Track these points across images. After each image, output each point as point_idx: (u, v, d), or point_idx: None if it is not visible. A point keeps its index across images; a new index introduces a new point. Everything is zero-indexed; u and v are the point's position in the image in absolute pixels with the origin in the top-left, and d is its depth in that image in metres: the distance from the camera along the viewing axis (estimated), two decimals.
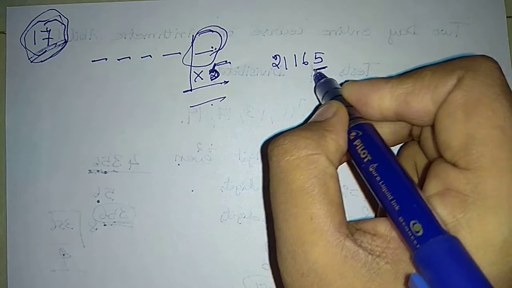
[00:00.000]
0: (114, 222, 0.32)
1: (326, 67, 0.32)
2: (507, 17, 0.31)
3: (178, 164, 0.32)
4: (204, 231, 0.32)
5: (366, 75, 0.32)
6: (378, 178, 0.19)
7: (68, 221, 0.32)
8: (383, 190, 0.18)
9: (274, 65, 0.32)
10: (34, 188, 0.32)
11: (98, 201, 0.32)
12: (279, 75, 0.32)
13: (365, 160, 0.20)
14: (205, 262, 0.31)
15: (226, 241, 0.31)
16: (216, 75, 0.32)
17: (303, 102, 0.32)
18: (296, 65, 0.32)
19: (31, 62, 0.33)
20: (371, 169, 0.19)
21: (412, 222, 0.17)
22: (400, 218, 0.17)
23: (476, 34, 0.31)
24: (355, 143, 0.21)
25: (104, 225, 0.32)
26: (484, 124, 0.17)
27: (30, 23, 0.33)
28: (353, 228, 0.18)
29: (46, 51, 0.33)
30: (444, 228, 0.16)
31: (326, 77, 0.29)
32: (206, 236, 0.32)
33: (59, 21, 0.33)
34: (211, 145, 0.32)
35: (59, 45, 0.33)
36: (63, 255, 0.32)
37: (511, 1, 0.31)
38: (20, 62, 0.33)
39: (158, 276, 0.32)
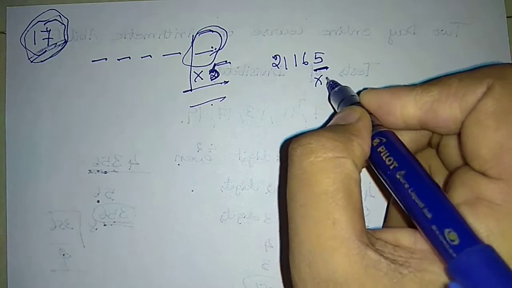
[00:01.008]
0: (114, 222, 0.32)
1: (327, 67, 0.32)
2: (507, 17, 0.31)
3: (178, 164, 0.32)
4: (204, 231, 0.32)
5: (366, 75, 0.32)
6: (406, 186, 0.18)
7: (68, 221, 0.32)
8: (413, 197, 0.18)
9: (274, 65, 0.32)
10: (34, 188, 0.32)
11: (98, 201, 0.32)
12: (279, 75, 0.32)
13: (391, 167, 0.19)
14: (205, 262, 0.31)
15: (226, 241, 0.31)
16: (216, 75, 0.32)
17: (303, 102, 0.32)
18: (296, 65, 0.32)
19: (31, 62, 0.33)
20: (398, 176, 0.19)
21: (447, 230, 0.16)
22: (433, 226, 0.17)
23: (476, 34, 0.31)
24: (379, 149, 0.20)
25: (104, 225, 0.32)
26: None
27: (30, 23, 0.33)
28: (372, 237, 0.18)
29: (46, 51, 0.33)
30: (479, 238, 0.16)
31: (340, 85, 0.29)
32: (206, 236, 0.32)
33: (59, 21, 0.33)
34: (211, 145, 0.32)
35: (59, 45, 0.33)
36: (63, 255, 0.32)
37: (511, 1, 0.31)
38: (20, 62, 0.33)
39: (158, 276, 0.32)
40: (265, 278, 0.31)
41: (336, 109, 0.28)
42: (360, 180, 0.19)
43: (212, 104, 0.32)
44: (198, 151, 0.32)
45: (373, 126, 0.21)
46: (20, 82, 0.33)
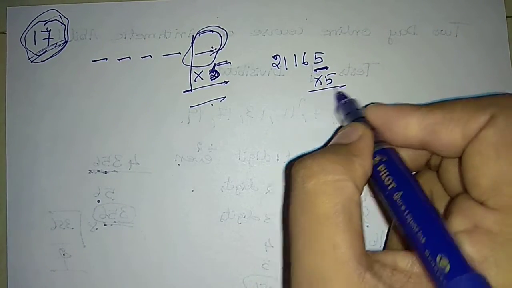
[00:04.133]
0: (114, 222, 0.32)
1: (327, 67, 0.32)
2: (507, 17, 0.31)
3: (178, 164, 0.32)
4: (204, 231, 0.32)
5: (366, 75, 0.32)
6: (403, 208, 0.18)
7: (68, 221, 0.32)
8: (409, 220, 0.18)
9: (274, 65, 0.32)
10: (34, 188, 0.32)
11: (98, 201, 0.32)
12: (279, 75, 0.32)
13: (389, 187, 0.19)
14: (205, 262, 0.31)
15: (226, 241, 0.31)
16: (216, 75, 0.32)
17: (303, 102, 0.32)
18: (296, 65, 0.32)
19: (32, 62, 0.33)
20: (395, 197, 0.19)
21: (439, 256, 0.16)
22: (426, 251, 0.17)
23: (476, 34, 0.31)
24: (379, 168, 0.20)
25: (104, 225, 0.32)
26: None
27: (31, 23, 0.33)
28: (371, 260, 0.18)
29: (46, 51, 0.33)
30: (471, 265, 0.16)
31: (347, 97, 0.29)
32: (206, 236, 0.32)
33: (59, 21, 0.34)
34: (211, 145, 0.32)
35: (59, 45, 0.33)
36: (63, 255, 0.32)
37: (511, 1, 0.31)
38: (20, 62, 0.33)
39: (158, 275, 0.32)
40: (265, 278, 0.31)
41: (342, 122, 0.28)
42: (361, 202, 0.19)
43: (212, 104, 0.32)
44: (198, 151, 0.32)
45: (376, 142, 0.21)
46: (20, 82, 0.33)
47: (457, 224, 0.18)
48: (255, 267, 0.31)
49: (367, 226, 0.31)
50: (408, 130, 0.20)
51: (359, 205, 0.19)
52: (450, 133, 0.19)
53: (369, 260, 0.18)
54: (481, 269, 0.16)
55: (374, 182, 0.21)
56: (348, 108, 0.27)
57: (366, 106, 0.24)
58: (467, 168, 0.18)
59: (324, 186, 0.18)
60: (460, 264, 0.16)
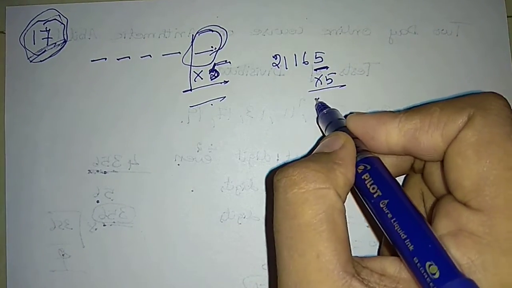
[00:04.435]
0: (114, 222, 0.32)
1: (327, 67, 0.32)
2: (508, 16, 0.31)
3: (178, 164, 0.32)
4: (204, 231, 0.31)
5: (367, 75, 0.32)
6: (389, 215, 0.18)
7: (67, 221, 0.32)
8: (396, 228, 0.18)
9: (274, 65, 0.32)
10: (34, 188, 0.32)
11: (97, 201, 0.32)
12: (279, 75, 0.32)
13: (375, 195, 0.19)
14: (205, 262, 0.31)
15: (226, 241, 0.31)
16: (216, 75, 0.32)
17: (303, 102, 0.32)
18: (296, 65, 0.32)
19: (31, 61, 0.33)
20: (381, 205, 0.19)
21: (428, 263, 0.16)
22: (414, 258, 0.17)
23: (476, 34, 0.31)
24: (363, 177, 0.20)
25: (104, 225, 0.32)
26: (497, 165, 0.17)
27: (30, 23, 0.33)
28: (359, 266, 0.18)
29: (45, 50, 0.33)
30: (460, 271, 0.16)
31: (328, 107, 0.29)
32: (205, 236, 0.31)
33: (58, 21, 0.33)
34: (211, 145, 0.32)
35: (59, 44, 0.33)
36: (63, 255, 0.32)
37: (511, 1, 0.31)
38: (19, 62, 0.33)
39: (158, 276, 0.31)
40: (265, 278, 0.31)
41: (324, 132, 0.28)
42: (344, 210, 0.19)
43: (212, 104, 0.32)
44: (198, 151, 0.32)
45: (358, 151, 0.21)
46: (20, 82, 0.33)
47: (441, 227, 0.18)
48: (255, 267, 0.31)
49: (367, 226, 0.31)
50: (389, 138, 0.21)
51: (343, 212, 0.19)
52: (430, 137, 0.19)
53: (356, 266, 0.18)
54: (469, 273, 0.16)
55: (359, 191, 0.21)
56: (330, 118, 0.27)
57: (346, 116, 0.24)
58: (449, 170, 0.18)
59: (306, 195, 0.18)
60: (449, 270, 0.16)
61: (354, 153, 0.21)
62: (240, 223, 0.31)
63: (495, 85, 0.31)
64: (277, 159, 0.32)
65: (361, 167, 0.21)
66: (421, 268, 0.16)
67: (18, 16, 0.33)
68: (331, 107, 0.29)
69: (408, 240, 0.17)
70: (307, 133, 0.32)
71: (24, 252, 0.32)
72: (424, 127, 0.19)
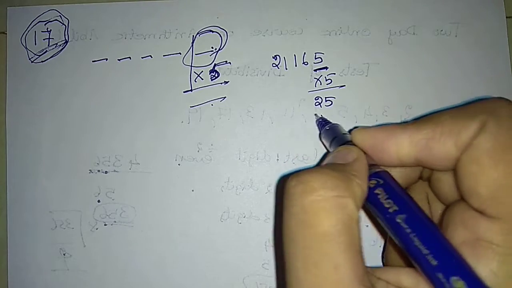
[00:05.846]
0: (115, 222, 0.32)
1: (327, 67, 0.32)
2: (507, 17, 0.31)
3: (179, 164, 0.32)
4: (204, 231, 0.32)
5: (366, 75, 0.32)
6: (408, 230, 0.18)
7: (68, 221, 0.32)
8: (416, 243, 0.17)
9: (274, 65, 0.32)
10: (35, 188, 0.33)
11: (98, 201, 0.32)
12: (279, 75, 0.32)
13: (391, 210, 0.19)
14: (205, 262, 0.31)
15: (226, 241, 0.31)
16: (216, 75, 0.33)
17: (303, 102, 0.32)
18: (296, 65, 0.32)
19: (32, 62, 0.33)
20: (398, 220, 0.18)
21: (453, 278, 0.16)
22: (439, 274, 0.16)
23: (476, 34, 0.31)
24: (376, 191, 0.20)
25: (105, 224, 0.32)
26: None
27: (31, 23, 0.34)
28: (373, 278, 0.18)
29: (46, 51, 0.33)
30: (486, 285, 0.16)
31: (330, 122, 0.29)
32: (206, 236, 0.32)
33: (59, 21, 0.34)
34: (211, 145, 0.32)
35: (60, 45, 0.33)
36: (64, 254, 0.32)
37: (511, 1, 0.31)
38: (20, 62, 0.33)
39: (158, 275, 0.32)
40: (265, 278, 0.31)
41: (328, 147, 0.27)
42: (359, 221, 0.18)
43: (212, 104, 0.32)
44: (198, 151, 0.32)
45: (368, 165, 0.21)
46: (21, 82, 0.33)
47: (457, 236, 0.17)
48: (255, 267, 0.31)
49: (367, 226, 0.31)
50: (400, 150, 0.20)
51: (359, 224, 0.18)
52: (443, 146, 0.19)
53: (371, 277, 0.17)
54: (493, 285, 0.16)
55: (371, 206, 0.20)
56: (333, 133, 0.27)
57: (350, 130, 0.23)
58: (463, 177, 0.18)
59: (325, 203, 0.17)
60: (476, 284, 0.16)
61: (367, 167, 0.21)
62: (240, 223, 0.32)
63: (494, 85, 0.31)
64: (277, 159, 0.32)
65: (373, 181, 0.20)
66: (446, 284, 0.16)
67: (20, 16, 0.34)
68: (333, 122, 0.29)
69: (431, 255, 0.17)
70: (307, 133, 0.32)
71: (26, 251, 0.32)
72: (436, 136, 0.19)
